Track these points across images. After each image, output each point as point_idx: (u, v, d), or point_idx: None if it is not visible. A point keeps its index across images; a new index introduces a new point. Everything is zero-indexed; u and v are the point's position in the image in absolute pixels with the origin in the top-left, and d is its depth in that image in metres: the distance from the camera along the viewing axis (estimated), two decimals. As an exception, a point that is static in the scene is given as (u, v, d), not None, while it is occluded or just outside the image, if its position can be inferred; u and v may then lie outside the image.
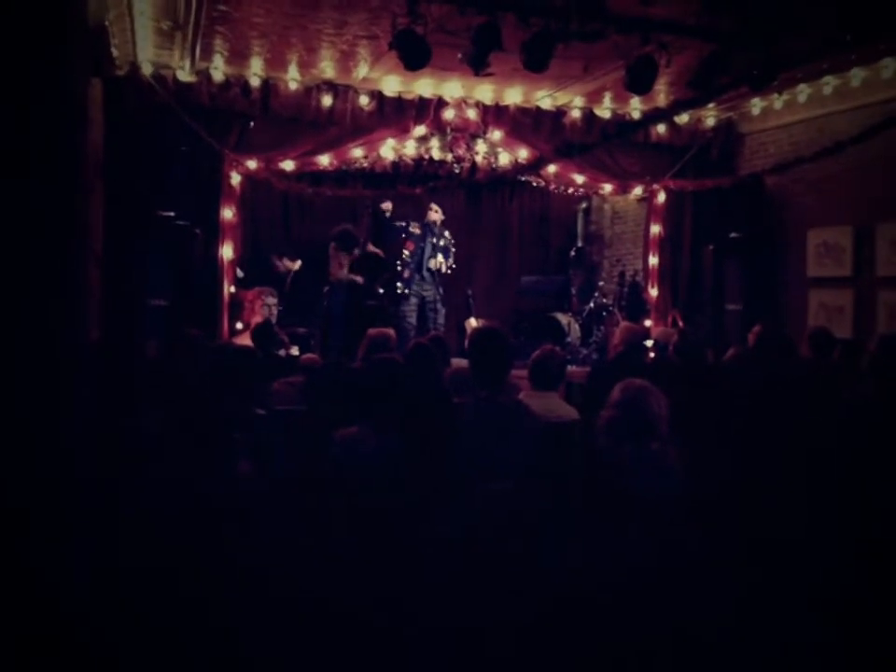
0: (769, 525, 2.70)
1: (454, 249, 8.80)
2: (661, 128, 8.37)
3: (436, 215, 8.66)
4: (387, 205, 8.80)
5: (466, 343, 4.44)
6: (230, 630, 2.30)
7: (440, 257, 8.60)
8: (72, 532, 2.72)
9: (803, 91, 7.46)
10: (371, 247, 8.66)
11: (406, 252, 8.59)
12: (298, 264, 8.69)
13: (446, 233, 8.75)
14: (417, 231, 8.62)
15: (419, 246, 8.59)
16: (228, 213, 7.42)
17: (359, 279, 8.58)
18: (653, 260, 8.79)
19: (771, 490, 2.93)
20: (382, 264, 8.75)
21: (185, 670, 2.25)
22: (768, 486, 2.96)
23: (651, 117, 7.86)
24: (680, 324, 8.08)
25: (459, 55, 5.33)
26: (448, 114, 7.79)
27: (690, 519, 2.73)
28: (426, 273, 8.61)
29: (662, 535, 2.58)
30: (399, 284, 8.56)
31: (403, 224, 8.72)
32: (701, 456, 3.11)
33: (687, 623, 2.24)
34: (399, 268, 8.59)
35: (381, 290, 8.56)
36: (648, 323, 8.51)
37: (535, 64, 5.44)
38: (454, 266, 8.78)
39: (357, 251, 8.51)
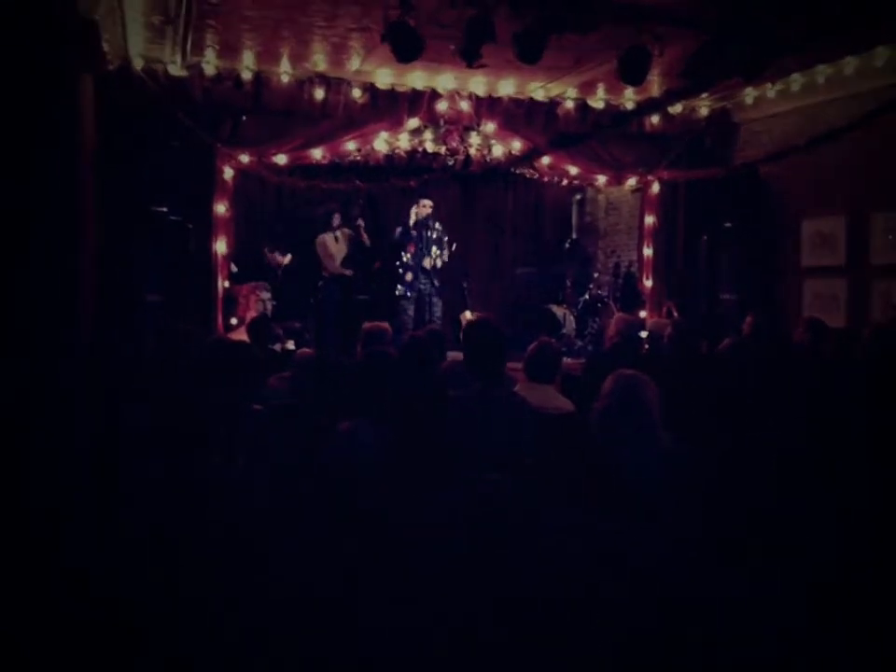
0: (764, 514, 2.71)
1: (446, 238, 8.78)
2: (654, 118, 8.35)
3: (427, 209, 8.62)
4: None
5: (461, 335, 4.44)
6: (226, 625, 2.30)
7: (434, 251, 8.58)
8: (69, 525, 2.72)
9: (796, 81, 7.45)
10: (363, 235, 8.64)
11: (408, 255, 8.56)
12: (288, 258, 8.68)
13: (437, 225, 8.73)
14: (414, 231, 8.59)
15: (418, 247, 8.57)
16: (221, 207, 7.39)
17: (350, 273, 8.58)
18: (648, 251, 8.79)
19: (766, 480, 2.94)
20: (373, 257, 8.75)
21: (183, 665, 2.25)
22: (764, 476, 2.97)
23: (645, 107, 7.85)
24: (675, 314, 8.09)
25: (452, 47, 5.32)
26: (441, 106, 7.77)
27: (686, 507, 2.74)
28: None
29: (659, 523, 2.59)
30: (399, 287, 8.52)
31: (400, 229, 8.66)
32: (696, 446, 3.12)
33: (687, 612, 2.25)
34: (400, 271, 8.55)
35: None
36: (642, 314, 8.52)
37: (528, 56, 5.43)
38: (446, 258, 8.77)
39: (341, 227, 8.49)
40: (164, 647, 2.24)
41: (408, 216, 8.69)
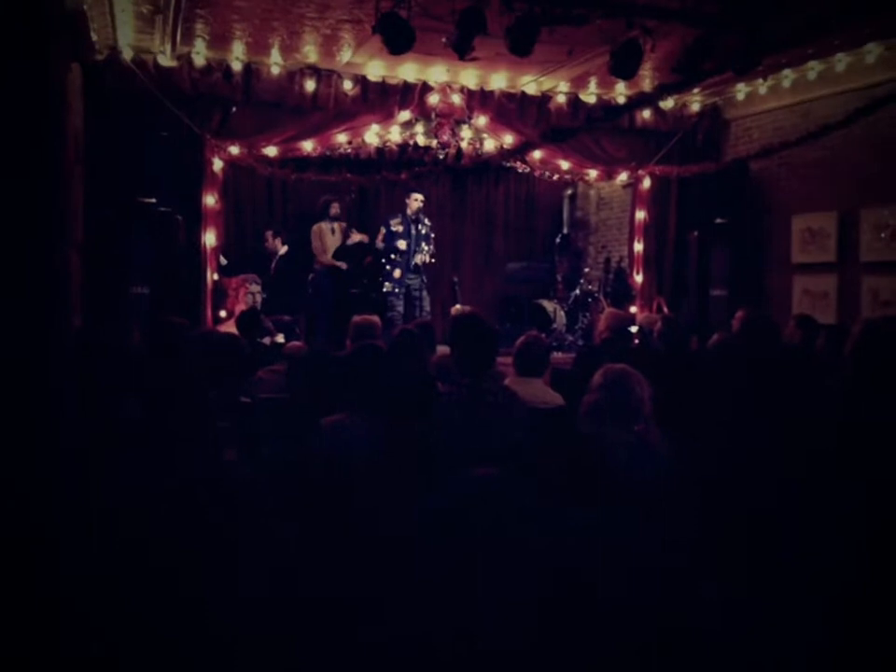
0: (755, 510, 2.71)
1: (433, 235, 8.76)
2: (646, 113, 8.35)
3: (417, 203, 8.58)
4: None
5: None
6: (217, 620, 2.28)
7: (423, 247, 8.56)
8: (58, 524, 2.69)
9: (787, 77, 7.46)
10: (355, 233, 8.61)
11: (398, 253, 8.52)
12: (285, 249, 8.64)
13: (426, 220, 8.70)
14: (401, 227, 8.54)
15: (408, 243, 8.53)
16: (210, 199, 7.35)
17: (343, 266, 8.55)
18: (638, 247, 8.79)
19: (756, 475, 2.94)
20: (365, 251, 8.71)
21: (175, 662, 2.24)
22: (753, 471, 2.97)
23: (636, 102, 7.83)
24: (665, 310, 8.09)
25: (444, 39, 5.30)
26: (433, 99, 7.74)
27: (676, 502, 2.73)
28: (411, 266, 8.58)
29: (649, 518, 2.58)
30: (388, 283, 8.49)
31: (385, 232, 8.60)
32: (686, 442, 3.12)
33: (674, 608, 2.25)
34: (388, 267, 8.51)
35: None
36: (633, 309, 8.53)
37: (520, 49, 5.41)
38: (434, 253, 8.74)
39: (339, 219, 8.45)
40: (160, 645, 2.22)
41: (398, 212, 8.64)
